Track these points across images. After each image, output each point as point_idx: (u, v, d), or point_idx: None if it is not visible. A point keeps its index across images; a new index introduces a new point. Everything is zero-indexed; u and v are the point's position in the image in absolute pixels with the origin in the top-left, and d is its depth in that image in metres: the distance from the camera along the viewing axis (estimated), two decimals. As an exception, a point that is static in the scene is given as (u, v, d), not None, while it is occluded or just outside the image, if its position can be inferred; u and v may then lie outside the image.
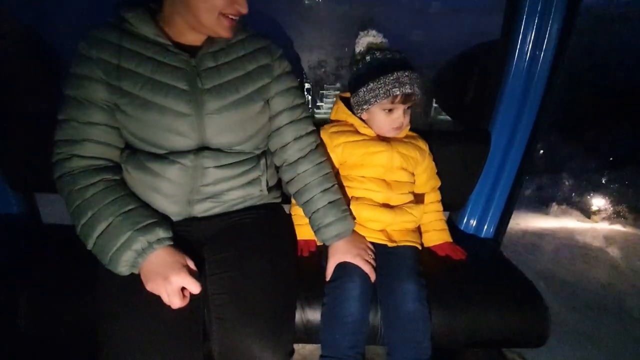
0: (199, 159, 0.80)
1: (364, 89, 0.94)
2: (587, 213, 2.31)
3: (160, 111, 0.76)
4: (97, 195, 0.74)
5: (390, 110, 0.95)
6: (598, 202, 2.31)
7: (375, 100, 0.93)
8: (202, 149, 0.81)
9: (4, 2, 1.16)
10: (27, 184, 1.26)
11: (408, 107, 0.96)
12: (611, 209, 2.27)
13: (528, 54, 1.09)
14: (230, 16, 0.76)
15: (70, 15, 1.21)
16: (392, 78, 0.90)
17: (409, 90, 0.90)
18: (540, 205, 2.38)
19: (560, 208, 2.33)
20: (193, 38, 0.82)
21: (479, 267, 1.04)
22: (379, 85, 0.91)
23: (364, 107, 0.96)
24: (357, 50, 1.01)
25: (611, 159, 2.20)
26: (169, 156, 0.79)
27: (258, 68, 0.86)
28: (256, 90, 0.85)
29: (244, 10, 0.76)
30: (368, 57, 0.97)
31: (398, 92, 0.90)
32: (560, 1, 1.03)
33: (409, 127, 1.04)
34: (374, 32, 0.98)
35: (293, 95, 0.92)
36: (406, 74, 0.91)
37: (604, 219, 2.26)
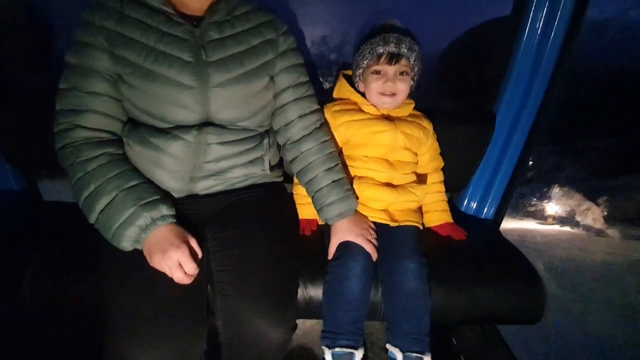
0: (202, 135, 0.79)
1: (356, 55, 0.96)
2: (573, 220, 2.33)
3: (164, 82, 0.75)
4: (101, 169, 0.73)
5: (378, 73, 0.93)
6: (587, 208, 2.33)
7: (363, 62, 0.93)
8: (205, 124, 0.80)
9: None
10: (26, 163, 1.25)
11: (401, 73, 0.93)
12: (600, 215, 2.29)
13: (539, 31, 1.06)
14: None
15: None
16: (378, 38, 0.91)
17: (394, 49, 0.90)
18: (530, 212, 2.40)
19: (548, 215, 2.36)
20: (194, 7, 0.80)
21: (478, 246, 1.05)
22: (366, 47, 0.93)
23: (357, 73, 0.97)
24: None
25: (601, 167, 2.22)
26: (172, 131, 0.78)
27: (263, 42, 0.84)
28: (261, 65, 0.83)
29: None
30: (368, 30, 0.97)
31: (382, 50, 0.90)
32: (563, 19, 1.01)
33: (412, 105, 1.03)
34: (394, 19, 0.97)
35: (298, 72, 0.90)
36: (394, 35, 0.90)
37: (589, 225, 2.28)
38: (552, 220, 2.35)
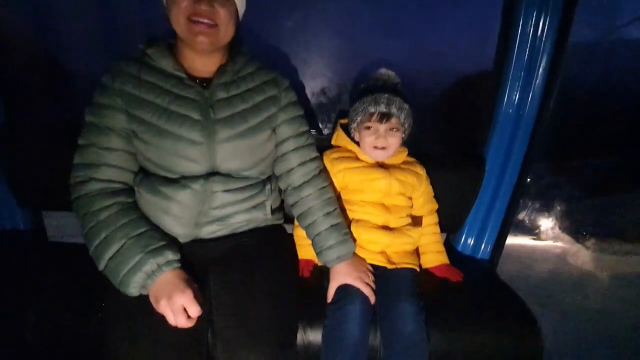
0: (209, 184, 0.84)
1: (351, 109, 1.04)
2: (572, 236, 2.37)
3: (175, 139, 0.81)
4: (111, 218, 0.78)
5: (370, 129, 1.00)
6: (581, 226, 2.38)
7: (357, 118, 1.01)
8: (212, 173, 0.85)
9: (21, 21, 1.22)
10: (35, 202, 1.29)
11: (392, 129, 1.00)
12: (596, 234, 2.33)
13: (520, 84, 1.16)
14: (197, 20, 0.77)
15: (83, 38, 1.26)
16: (370, 98, 0.99)
17: (384, 110, 0.97)
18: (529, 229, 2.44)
19: (547, 233, 2.39)
20: (204, 69, 0.87)
21: (475, 289, 1.07)
22: (359, 105, 1.01)
23: (352, 126, 1.04)
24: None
25: (594, 186, 2.28)
26: (181, 180, 0.84)
27: (266, 99, 0.91)
28: (264, 120, 0.90)
29: (207, 9, 0.76)
30: (363, 85, 1.06)
31: (373, 110, 0.98)
32: (549, 35, 1.10)
33: (406, 152, 1.09)
34: (384, 69, 1.07)
35: (298, 123, 0.97)
36: (385, 95, 0.98)
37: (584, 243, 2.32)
38: (545, 237, 2.38)
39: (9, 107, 1.20)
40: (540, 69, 1.14)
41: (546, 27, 1.10)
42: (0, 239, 1.26)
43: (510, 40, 1.14)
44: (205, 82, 0.87)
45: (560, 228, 2.38)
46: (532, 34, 1.11)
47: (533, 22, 1.10)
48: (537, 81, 1.15)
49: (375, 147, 1.01)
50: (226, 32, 0.82)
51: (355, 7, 1.22)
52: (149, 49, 0.84)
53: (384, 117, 0.97)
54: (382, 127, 0.99)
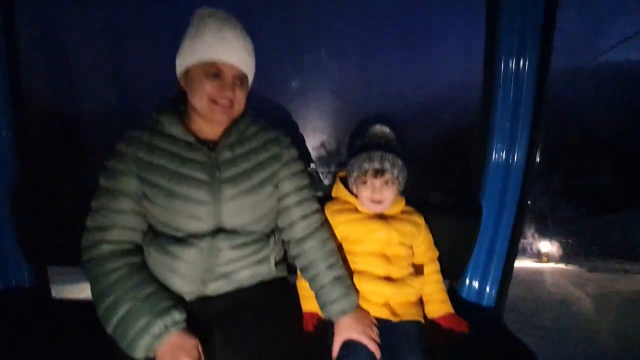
0: (215, 241, 0.87)
1: (348, 165, 1.10)
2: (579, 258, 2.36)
3: (182, 199, 0.86)
4: (120, 279, 0.80)
5: (366, 183, 1.05)
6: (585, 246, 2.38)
7: (353, 173, 1.06)
8: (217, 230, 0.89)
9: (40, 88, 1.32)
10: (41, 257, 1.30)
11: (386, 183, 1.05)
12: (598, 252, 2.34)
13: (506, 134, 1.23)
14: (219, 102, 0.86)
15: (97, 106, 1.37)
16: (364, 155, 1.04)
17: (378, 166, 1.02)
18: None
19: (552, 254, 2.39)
20: (211, 133, 0.94)
21: (482, 340, 1.05)
22: (354, 161, 1.06)
23: (350, 180, 1.09)
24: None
25: (591, 206, 2.31)
26: (188, 239, 0.87)
27: (269, 157, 0.97)
28: (267, 177, 0.95)
29: (230, 96, 0.86)
30: (358, 141, 1.12)
31: (367, 167, 1.03)
32: (530, 82, 1.19)
33: (403, 202, 1.14)
34: (380, 125, 1.14)
35: (300, 177, 1.02)
36: (378, 152, 1.04)
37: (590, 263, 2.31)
38: (547, 259, 2.36)
39: (23, 166, 1.27)
40: (525, 118, 1.22)
41: (526, 70, 1.19)
42: (5, 295, 1.27)
43: (493, 90, 1.23)
44: (211, 144, 0.93)
45: (557, 249, 2.39)
46: (514, 80, 1.20)
47: (513, 67, 1.19)
48: (522, 131, 1.23)
49: (372, 201, 1.05)
50: (240, 106, 0.91)
51: (351, 68, 1.35)
52: (161, 116, 0.91)
53: (378, 172, 1.03)
54: (377, 181, 1.04)
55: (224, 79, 0.85)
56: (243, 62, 0.87)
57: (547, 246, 2.44)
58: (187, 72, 0.87)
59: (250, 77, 0.93)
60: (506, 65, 1.20)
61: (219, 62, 0.84)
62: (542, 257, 2.44)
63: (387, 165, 1.02)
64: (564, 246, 2.39)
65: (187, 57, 0.85)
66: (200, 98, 0.85)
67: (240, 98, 0.89)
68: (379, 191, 1.04)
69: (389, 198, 1.05)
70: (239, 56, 0.86)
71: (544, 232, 2.35)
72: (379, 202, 1.05)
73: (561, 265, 2.34)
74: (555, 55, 1.17)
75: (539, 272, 2.30)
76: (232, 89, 0.86)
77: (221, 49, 0.83)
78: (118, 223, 0.85)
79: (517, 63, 1.19)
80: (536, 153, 1.24)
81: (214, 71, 0.84)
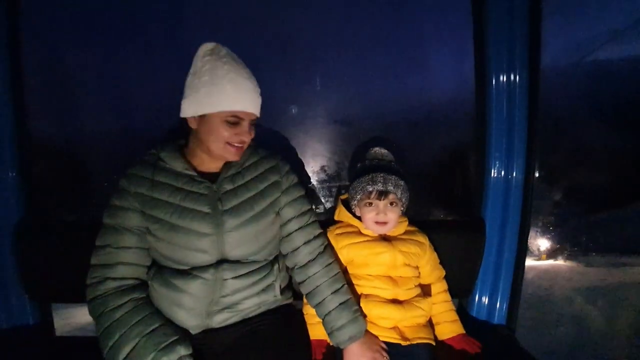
0: (219, 272, 0.87)
1: (351, 187, 1.10)
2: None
3: (185, 233, 0.86)
4: (125, 316, 0.80)
5: (370, 205, 1.05)
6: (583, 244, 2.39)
7: (357, 196, 1.07)
8: (221, 262, 0.89)
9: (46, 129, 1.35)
10: (45, 294, 1.29)
11: (391, 204, 1.05)
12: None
13: (503, 150, 1.25)
14: (235, 145, 0.89)
15: (101, 146, 1.39)
16: (367, 178, 1.05)
17: (381, 188, 1.03)
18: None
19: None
20: (212, 165, 0.96)
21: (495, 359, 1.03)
22: (357, 184, 1.07)
23: (353, 203, 1.09)
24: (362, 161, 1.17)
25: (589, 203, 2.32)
26: (192, 271, 0.87)
27: (269, 185, 0.98)
28: (268, 205, 0.96)
29: (246, 139, 0.90)
30: (360, 164, 1.14)
31: (371, 189, 1.04)
32: (522, 97, 1.21)
33: (406, 222, 1.14)
34: (378, 148, 1.16)
35: (301, 203, 1.03)
36: (381, 174, 1.04)
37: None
38: (546, 257, 2.34)
39: (26, 204, 1.28)
40: (520, 131, 1.24)
41: (517, 82, 1.21)
42: (9, 332, 1.25)
43: (487, 105, 1.25)
44: (212, 177, 0.94)
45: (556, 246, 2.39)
46: (507, 93, 1.22)
47: (505, 79, 1.21)
48: (519, 144, 1.24)
49: (377, 222, 1.05)
50: (249, 142, 0.94)
51: (347, 95, 1.38)
52: (162, 152, 0.93)
53: (382, 194, 1.04)
54: (381, 203, 1.05)
55: (243, 127, 0.89)
56: (258, 108, 0.91)
57: (545, 244, 2.44)
58: (202, 116, 0.87)
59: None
60: (497, 80, 1.23)
61: (240, 112, 0.86)
62: (541, 255, 2.44)
63: (390, 187, 1.03)
64: (562, 243, 2.41)
65: (205, 106, 0.85)
66: (217, 142, 0.88)
67: (252, 135, 0.92)
68: (383, 212, 1.04)
69: (393, 219, 1.06)
70: (256, 103, 0.89)
71: (542, 230, 2.36)
72: (384, 223, 1.05)
73: (560, 262, 2.36)
74: (544, 57, 1.19)
75: (537, 270, 2.33)
76: (249, 133, 0.90)
77: (241, 100, 0.85)
78: (122, 260, 0.86)
79: (508, 77, 1.22)
80: (535, 164, 1.25)
81: (234, 120, 0.87)
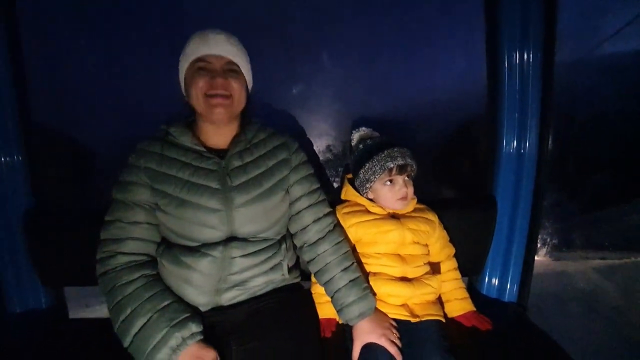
0: (228, 250, 0.87)
1: (363, 170, 1.05)
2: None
3: (195, 208, 0.86)
4: (137, 291, 0.80)
5: (391, 182, 1.03)
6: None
7: (375, 177, 1.03)
8: (230, 239, 0.88)
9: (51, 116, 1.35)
10: (57, 279, 1.31)
11: (407, 177, 1.04)
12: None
13: (516, 124, 1.20)
14: (214, 93, 0.86)
15: (107, 131, 1.38)
16: (383, 155, 1.02)
17: (402, 162, 1.01)
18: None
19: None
20: (220, 141, 0.95)
21: (506, 336, 1.02)
22: (374, 163, 1.02)
23: (367, 185, 1.05)
24: (353, 143, 1.15)
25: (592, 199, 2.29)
26: (201, 249, 0.87)
27: (278, 162, 0.97)
28: (277, 182, 0.95)
29: (223, 88, 0.86)
30: (361, 145, 1.10)
31: (392, 165, 1.01)
32: (536, 69, 1.16)
33: (415, 200, 1.12)
34: (363, 128, 1.14)
35: (310, 181, 1.02)
36: (395, 149, 1.02)
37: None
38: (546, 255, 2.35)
39: (35, 190, 1.29)
40: (534, 107, 1.19)
41: (531, 61, 1.16)
42: (23, 317, 1.28)
43: (499, 82, 1.20)
44: (221, 153, 0.93)
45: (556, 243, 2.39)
46: (519, 72, 1.18)
47: (518, 59, 1.17)
48: (532, 119, 1.20)
49: (401, 198, 1.04)
50: (239, 101, 0.91)
51: (352, 72, 1.34)
52: (171, 127, 0.93)
53: (402, 168, 1.02)
54: (401, 177, 1.03)
55: (214, 70, 0.86)
56: (229, 51, 0.88)
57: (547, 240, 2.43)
58: (185, 81, 0.89)
59: (245, 70, 0.92)
60: (510, 57, 1.18)
61: (205, 55, 0.86)
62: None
63: (408, 160, 1.02)
64: (564, 238, 2.39)
65: (181, 65, 0.89)
66: (197, 97, 0.86)
67: (237, 89, 0.89)
68: (404, 186, 1.04)
69: (411, 193, 1.05)
70: (224, 47, 0.87)
71: (545, 226, 2.35)
72: (406, 198, 1.04)
73: (563, 257, 2.36)
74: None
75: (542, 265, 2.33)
76: (223, 77, 0.86)
77: (205, 45, 0.86)
78: (132, 234, 0.86)
79: (522, 54, 1.17)
80: (548, 140, 1.21)
81: (202, 65, 0.86)
